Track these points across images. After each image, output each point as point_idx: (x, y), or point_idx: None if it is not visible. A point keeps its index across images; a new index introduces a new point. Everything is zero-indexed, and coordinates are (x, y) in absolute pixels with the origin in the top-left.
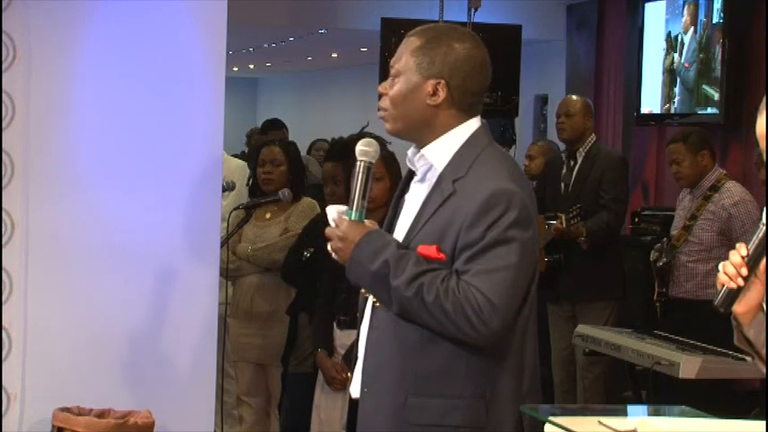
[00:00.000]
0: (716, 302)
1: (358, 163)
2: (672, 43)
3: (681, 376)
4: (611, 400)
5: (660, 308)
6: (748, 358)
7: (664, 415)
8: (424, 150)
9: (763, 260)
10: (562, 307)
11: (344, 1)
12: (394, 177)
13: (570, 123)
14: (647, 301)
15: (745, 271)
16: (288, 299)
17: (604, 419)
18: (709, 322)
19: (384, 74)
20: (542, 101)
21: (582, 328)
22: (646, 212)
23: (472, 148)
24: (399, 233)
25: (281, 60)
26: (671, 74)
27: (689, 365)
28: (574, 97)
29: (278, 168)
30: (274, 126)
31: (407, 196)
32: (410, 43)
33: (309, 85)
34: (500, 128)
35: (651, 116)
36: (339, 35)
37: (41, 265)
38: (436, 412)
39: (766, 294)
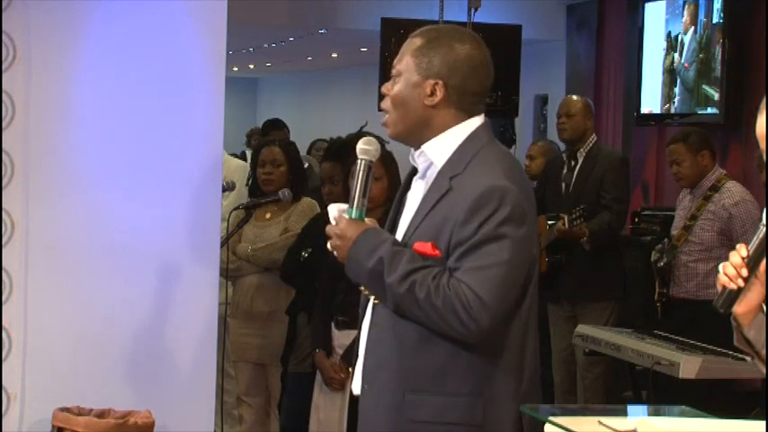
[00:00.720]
0: (716, 303)
1: (359, 161)
2: (672, 43)
3: (681, 376)
4: (611, 400)
5: (661, 308)
6: (748, 358)
7: (664, 415)
8: (424, 147)
9: (764, 261)
10: (562, 307)
11: (344, 1)
12: (392, 177)
13: (571, 123)
14: (648, 301)
15: (745, 272)
16: (288, 299)
17: (604, 419)
18: (709, 322)
19: (384, 74)
20: (542, 101)
21: (582, 328)
22: (646, 212)
23: (471, 145)
24: (401, 230)
25: (281, 60)
26: (671, 74)
27: (689, 365)
28: (574, 97)
29: (278, 169)
30: (275, 126)
31: (409, 194)
32: (411, 44)
33: (309, 85)
34: (500, 128)
35: (651, 116)
36: (339, 35)
37: (41, 265)
38: (434, 409)
39: (767, 295)
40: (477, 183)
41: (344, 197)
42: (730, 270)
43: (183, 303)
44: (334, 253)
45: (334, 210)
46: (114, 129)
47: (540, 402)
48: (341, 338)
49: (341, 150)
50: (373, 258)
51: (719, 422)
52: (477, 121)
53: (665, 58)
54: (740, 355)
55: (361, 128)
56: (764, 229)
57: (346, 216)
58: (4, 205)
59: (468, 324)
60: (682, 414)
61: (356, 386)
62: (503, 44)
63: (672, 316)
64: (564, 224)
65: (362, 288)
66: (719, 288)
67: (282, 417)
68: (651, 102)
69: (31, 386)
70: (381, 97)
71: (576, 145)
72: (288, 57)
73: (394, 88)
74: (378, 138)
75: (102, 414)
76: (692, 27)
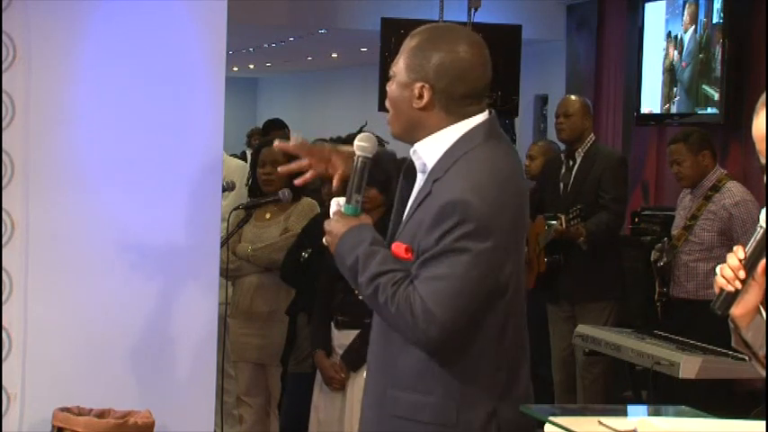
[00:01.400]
0: (713, 305)
1: (355, 158)
2: (672, 43)
3: (681, 376)
4: (611, 400)
5: (661, 308)
6: (747, 359)
7: (664, 415)
8: (416, 146)
9: (762, 263)
10: (562, 307)
11: (344, 1)
12: None
13: (569, 123)
14: (648, 301)
15: (742, 274)
16: (288, 299)
17: (604, 419)
18: (709, 322)
19: (384, 74)
20: (542, 101)
21: (582, 328)
22: (646, 212)
23: (460, 148)
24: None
25: (281, 60)
26: (671, 74)
27: (689, 365)
28: (572, 97)
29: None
30: (276, 126)
31: (414, 189)
32: (406, 44)
33: (309, 85)
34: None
35: (651, 116)
36: (339, 35)
37: (41, 265)
38: (409, 407)
39: (765, 297)
40: (444, 193)
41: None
42: (727, 272)
43: (183, 303)
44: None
45: (334, 204)
46: (114, 129)
47: (533, 402)
48: (341, 338)
49: None
50: (352, 256)
51: (719, 422)
52: (474, 121)
53: (665, 58)
54: (740, 355)
55: (361, 128)
56: (762, 231)
57: (341, 209)
58: (4, 205)
59: (416, 333)
60: (682, 414)
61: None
62: (503, 44)
63: (672, 316)
64: (561, 224)
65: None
66: (717, 290)
67: (282, 417)
68: (651, 102)
69: (31, 386)
70: (385, 96)
71: (574, 145)
72: (288, 57)
73: (389, 89)
74: (377, 138)
75: (102, 414)
76: (692, 27)
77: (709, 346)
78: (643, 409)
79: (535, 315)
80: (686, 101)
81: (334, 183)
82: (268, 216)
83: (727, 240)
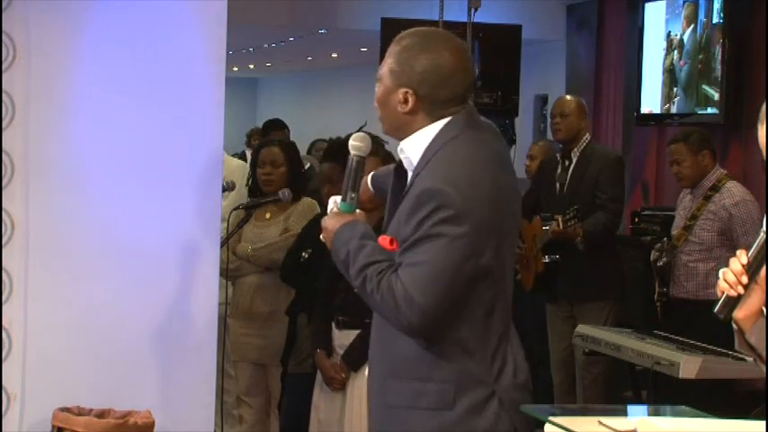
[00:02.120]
0: (716, 309)
1: (350, 157)
2: (672, 43)
3: (681, 376)
4: (611, 400)
5: (661, 308)
6: (749, 359)
7: (664, 415)
8: (402, 144)
9: (764, 269)
10: (560, 307)
11: (344, 1)
12: None
13: (565, 124)
14: (647, 301)
15: (745, 279)
16: (288, 299)
17: (604, 419)
18: (709, 322)
19: None
20: (542, 101)
21: (582, 328)
22: (646, 212)
23: (438, 141)
24: None
25: (281, 60)
26: (671, 74)
27: (689, 365)
28: (568, 97)
29: (278, 170)
30: (276, 126)
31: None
32: (391, 49)
33: (309, 85)
34: (500, 128)
35: (651, 116)
36: (339, 35)
37: (41, 265)
38: (409, 395)
39: (767, 300)
40: (421, 183)
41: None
42: (730, 277)
43: (183, 303)
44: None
45: (331, 203)
46: (114, 129)
47: (530, 384)
48: (341, 338)
49: (340, 150)
50: (344, 250)
51: (719, 422)
52: (450, 117)
53: (665, 58)
54: (740, 355)
55: (361, 128)
56: (764, 236)
57: (336, 209)
58: (4, 205)
59: (400, 319)
60: (682, 414)
61: None
62: (503, 44)
63: (672, 316)
64: (558, 225)
65: None
66: (719, 294)
67: (282, 417)
68: (651, 102)
69: (31, 386)
70: None
71: (570, 145)
72: (288, 57)
73: (376, 90)
74: (376, 138)
75: (102, 414)
76: (692, 27)
77: (710, 346)
78: (643, 409)
79: (534, 316)
80: (686, 101)
81: None
82: (268, 216)
83: (727, 240)
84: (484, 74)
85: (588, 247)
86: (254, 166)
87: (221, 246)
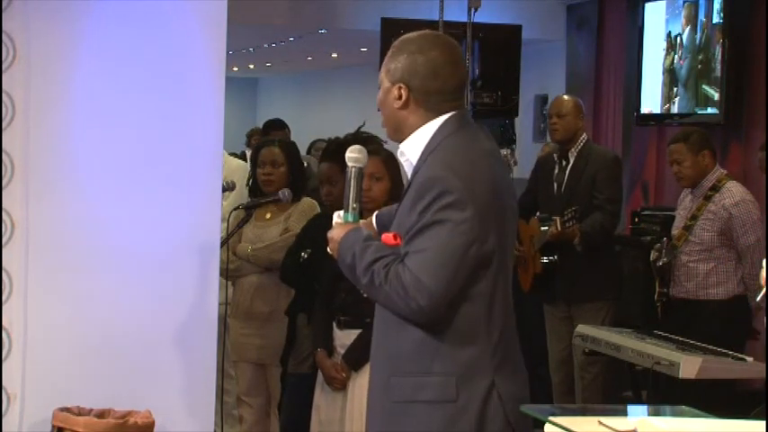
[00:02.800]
0: (758, 299)
1: (349, 168)
2: (672, 43)
3: (681, 376)
4: (610, 399)
5: (661, 308)
6: (749, 359)
7: (664, 415)
8: (401, 146)
9: None
10: (558, 308)
11: (344, 1)
12: (393, 177)
13: (563, 124)
14: (647, 301)
15: None
16: (288, 299)
17: (604, 419)
18: (709, 322)
19: None
20: (542, 101)
21: (582, 328)
22: (646, 212)
23: (434, 140)
24: None
25: (281, 60)
26: (671, 74)
27: (689, 365)
28: (565, 97)
29: (278, 170)
30: (276, 126)
31: None
32: (388, 53)
33: (309, 85)
34: (500, 128)
35: (651, 116)
36: (339, 35)
37: (41, 265)
38: (411, 389)
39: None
40: (421, 175)
41: (341, 196)
42: None
43: (183, 303)
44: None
45: (336, 216)
46: (114, 129)
47: (527, 376)
48: (342, 338)
49: (338, 151)
50: (349, 255)
51: (719, 422)
52: (446, 116)
53: (665, 58)
54: (740, 355)
55: (359, 128)
56: None
57: (340, 220)
58: (4, 205)
59: (409, 303)
60: (682, 414)
61: None
62: (503, 44)
63: (672, 316)
64: (556, 227)
65: None
66: (762, 284)
67: (282, 417)
68: (651, 102)
69: (31, 386)
70: None
71: (567, 145)
72: (288, 57)
73: (378, 96)
74: (375, 138)
75: (102, 414)
76: (692, 27)
77: (710, 346)
78: (643, 409)
79: (532, 316)
80: (686, 101)
81: None
82: (268, 216)
83: (727, 240)
84: (484, 74)
85: (586, 248)
86: (253, 165)
87: (221, 246)
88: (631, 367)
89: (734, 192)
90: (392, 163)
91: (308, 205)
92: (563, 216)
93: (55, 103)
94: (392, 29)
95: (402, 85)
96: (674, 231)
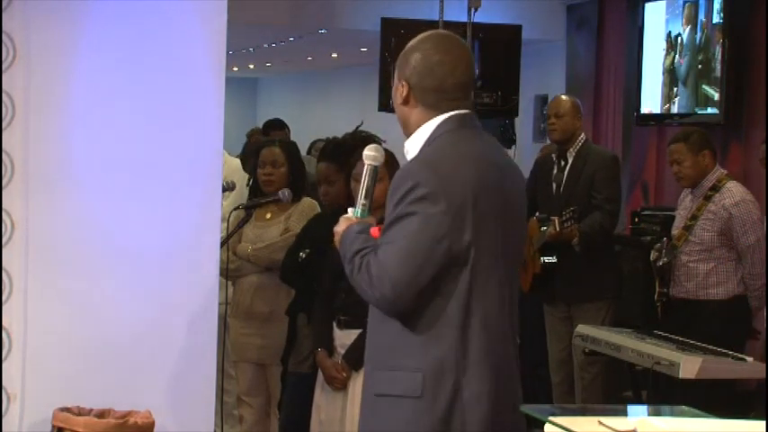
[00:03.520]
0: None
1: (366, 166)
2: (672, 43)
3: (681, 376)
4: (610, 399)
5: (661, 308)
6: (749, 359)
7: (664, 415)
8: (406, 144)
9: None
10: (558, 308)
11: (344, 1)
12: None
13: (561, 124)
14: (647, 301)
15: None
16: (288, 299)
17: (604, 419)
18: (709, 322)
19: (384, 74)
20: (542, 101)
21: (582, 328)
22: (646, 212)
23: (431, 137)
24: None
25: (281, 60)
26: (671, 74)
27: (689, 365)
28: (563, 97)
29: (278, 170)
30: (276, 126)
31: None
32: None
33: (309, 85)
34: (500, 128)
35: (651, 116)
36: (339, 35)
37: (41, 265)
38: (386, 382)
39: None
40: (399, 170)
41: (341, 197)
42: None
43: (183, 303)
44: None
45: (349, 211)
46: (114, 128)
47: (519, 381)
48: (342, 338)
49: (336, 151)
50: (345, 248)
51: (719, 422)
52: (446, 115)
53: (665, 58)
54: (740, 355)
55: (357, 127)
56: None
57: (350, 216)
58: (4, 205)
59: (374, 292)
60: (682, 414)
61: None
62: (503, 44)
63: (672, 316)
64: (555, 227)
65: None
66: None
67: (282, 417)
68: (651, 102)
69: (31, 386)
70: (386, 98)
71: (565, 145)
72: (288, 57)
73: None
74: (375, 137)
75: (102, 414)
76: (692, 27)
77: (710, 346)
78: (643, 409)
79: (532, 317)
80: (686, 101)
81: None
82: (268, 216)
83: (727, 240)
84: (484, 74)
85: (585, 248)
86: (253, 166)
87: (221, 246)
88: (631, 367)
89: (734, 192)
90: (392, 163)
91: (309, 205)
92: (561, 216)
93: (55, 103)
94: (392, 29)
95: (404, 82)
96: (674, 231)
